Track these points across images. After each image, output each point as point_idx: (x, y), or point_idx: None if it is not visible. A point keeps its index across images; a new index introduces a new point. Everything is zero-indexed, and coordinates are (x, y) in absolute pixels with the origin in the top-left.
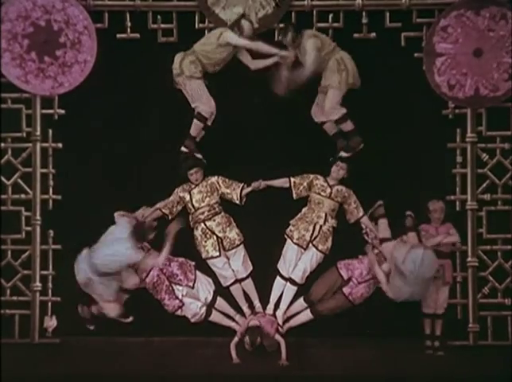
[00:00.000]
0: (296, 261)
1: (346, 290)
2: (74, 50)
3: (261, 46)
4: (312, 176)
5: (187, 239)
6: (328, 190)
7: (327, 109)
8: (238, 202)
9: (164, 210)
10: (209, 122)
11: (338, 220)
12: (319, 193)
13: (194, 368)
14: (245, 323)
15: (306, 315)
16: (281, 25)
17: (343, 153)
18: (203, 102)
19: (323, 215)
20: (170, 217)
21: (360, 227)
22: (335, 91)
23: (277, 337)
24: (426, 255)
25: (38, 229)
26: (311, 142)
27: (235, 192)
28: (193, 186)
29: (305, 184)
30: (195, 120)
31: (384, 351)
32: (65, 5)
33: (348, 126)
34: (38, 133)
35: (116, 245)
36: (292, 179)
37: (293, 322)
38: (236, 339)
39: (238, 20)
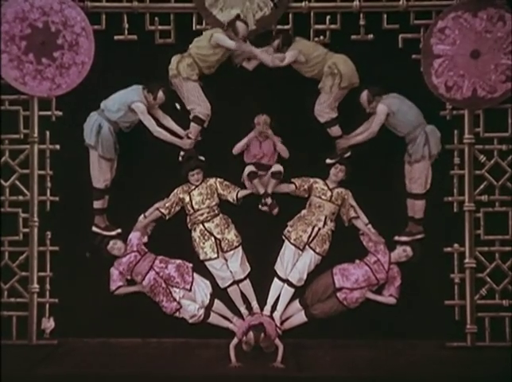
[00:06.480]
0: (294, 262)
1: (340, 295)
2: (71, 52)
3: (249, 48)
4: (311, 179)
5: (185, 241)
6: (329, 193)
7: (316, 110)
8: (234, 203)
9: (162, 210)
10: (205, 125)
11: (336, 222)
12: (319, 197)
13: (192, 369)
14: (245, 324)
15: (300, 318)
16: (277, 28)
17: (328, 160)
18: (199, 104)
19: (323, 218)
20: (168, 218)
21: (357, 229)
22: (325, 94)
23: (277, 341)
24: None
25: (36, 231)
26: (310, 143)
27: (231, 195)
28: (193, 187)
29: (306, 186)
30: (192, 123)
31: (383, 351)
32: (63, 7)
33: (336, 131)
34: (36, 134)
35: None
36: (294, 181)
37: (288, 325)
38: (235, 340)
39: (232, 21)
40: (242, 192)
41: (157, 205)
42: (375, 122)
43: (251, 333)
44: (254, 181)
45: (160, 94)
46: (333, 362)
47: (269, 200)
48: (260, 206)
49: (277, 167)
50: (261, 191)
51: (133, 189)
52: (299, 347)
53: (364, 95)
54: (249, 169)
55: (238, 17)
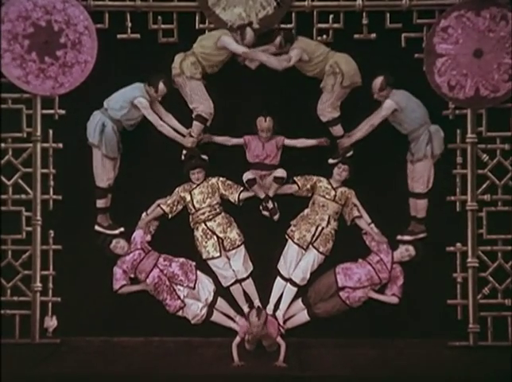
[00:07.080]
0: (297, 261)
1: (343, 294)
2: (74, 50)
3: (257, 55)
4: (315, 178)
5: (187, 240)
6: (333, 193)
7: (318, 110)
8: (236, 203)
9: (164, 207)
10: (208, 123)
11: (339, 222)
12: (323, 196)
13: (194, 368)
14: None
15: (303, 316)
16: (277, 27)
17: (330, 160)
18: (202, 103)
19: (327, 217)
20: (170, 216)
21: (360, 228)
22: (328, 94)
23: (279, 339)
24: None
25: (39, 229)
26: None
27: (233, 196)
28: (194, 186)
29: (308, 185)
30: (195, 122)
31: (385, 350)
32: (66, 6)
33: (338, 131)
34: (39, 133)
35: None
36: (296, 180)
37: (290, 324)
38: (238, 339)
39: (243, 26)
40: (244, 195)
41: (158, 202)
42: (377, 115)
43: (254, 312)
44: (254, 187)
45: (161, 85)
46: (335, 361)
47: (270, 205)
48: (261, 209)
49: (280, 172)
50: (262, 196)
51: (136, 188)
52: (301, 346)
53: (378, 80)
54: (247, 176)
55: (250, 24)
